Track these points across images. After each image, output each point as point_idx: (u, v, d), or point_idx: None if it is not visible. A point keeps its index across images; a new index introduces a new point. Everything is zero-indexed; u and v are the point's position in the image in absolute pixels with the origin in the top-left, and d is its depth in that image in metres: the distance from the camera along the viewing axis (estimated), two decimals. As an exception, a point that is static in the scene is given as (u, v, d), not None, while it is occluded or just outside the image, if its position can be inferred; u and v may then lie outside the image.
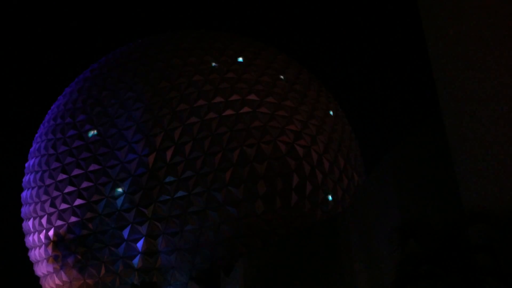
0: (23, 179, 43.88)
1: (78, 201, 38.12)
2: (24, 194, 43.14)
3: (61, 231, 38.87)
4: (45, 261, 40.63)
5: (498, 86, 12.65)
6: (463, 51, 13.38)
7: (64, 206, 38.70)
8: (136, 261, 36.90)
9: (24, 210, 42.89)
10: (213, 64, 37.95)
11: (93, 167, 38.05)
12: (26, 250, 43.93)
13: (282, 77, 40.83)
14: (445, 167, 14.75)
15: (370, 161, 45.86)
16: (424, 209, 16.08)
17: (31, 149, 44.07)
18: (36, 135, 44.40)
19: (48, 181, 39.92)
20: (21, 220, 44.01)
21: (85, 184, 38.07)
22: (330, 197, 37.07)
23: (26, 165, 43.97)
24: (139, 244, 36.73)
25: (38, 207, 40.58)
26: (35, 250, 41.69)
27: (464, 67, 13.36)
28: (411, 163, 17.29)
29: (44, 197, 40.02)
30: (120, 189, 36.79)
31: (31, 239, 41.91)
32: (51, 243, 39.52)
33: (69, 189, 38.55)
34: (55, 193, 39.20)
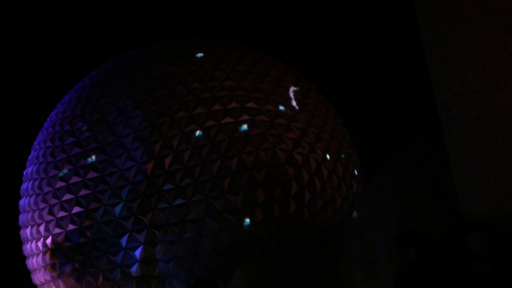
0: (21, 187, 43.77)
1: (76, 209, 38.00)
2: (22, 202, 43.01)
3: (59, 239, 38.73)
4: (42, 269, 40.44)
5: (498, 92, 12.66)
6: (462, 56, 13.39)
7: (62, 214, 38.58)
8: (134, 269, 36.74)
9: (22, 218, 42.75)
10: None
11: (91, 174, 37.98)
12: (23, 258, 43.75)
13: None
14: (444, 175, 14.73)
15: (369, 169, 45.80)
16: (423, 217, 16.05)
17: (30, 157, 44.01)
18: (35, 143, 44.36)
19: (46, 189, 39.83)
20: (18, 228, 43.86)
21: (83, 192, 37.98)
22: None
23: (24, 172, 43.89)
24: (137, 252, 36.59)
25: (36, 214, 40.44)
26: (32, 258, 41.51)
27: (464, 73, 13.37)
28: (409, 171, 17.27)
29: (42, 205, 39.90)
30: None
31: (28, 247, 41.74)
32: (49, 251, 39.35)
33: (67, 196, 38.44)
34: (53, 201, 39.10)
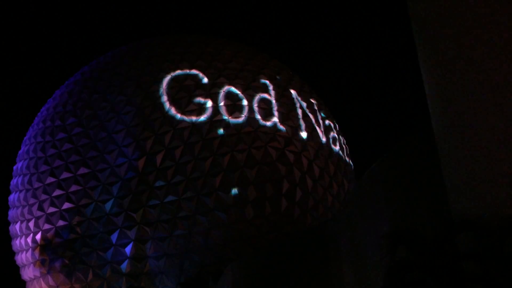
0: (11, 182, 43.44)
1: (67, 205, 37.78)
2: (11, 197, 42.68)
3: (49, 235, 38.49)
4: (32, 265, 40.18)
5: (489, 92, 12.73)
6: (454, 56, 13.45)
7: (52, 209, 38.33)
8: (124, 266, 36.62)
9: (11, 213, 42.44)
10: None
11: (82, 170, 37.74)
12: (12, 254, 43.44)
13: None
14: (435, 174, 14.79)
15: (360, 168, 45.94)
16: (414, 216, 16.11)
17: (20, 152, 43.64)
18: (25, 138, 43.99)
19: (36, 184, 39.54)
20: (8, 224, 43.55)
21: (73, 188, 37.75)
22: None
23: (14, 167, 43.54)
24: (128, 249, 36.47)
25: (25, 210, 40.16)
26: (22, 254, 41.23)
27: (455, 73, 13.42)
28: (401, 170, 17.33)
29: (32, 201, 39.62)
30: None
31: (18, 243, 41.45)
32: (38, 247, 39.11)
33: (58, 192, 38.20)
34: (43, 197, 38.83)
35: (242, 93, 38.75)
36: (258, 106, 38.56)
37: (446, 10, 13.64)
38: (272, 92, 39.96)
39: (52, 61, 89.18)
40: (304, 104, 41.34)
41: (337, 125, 45.27)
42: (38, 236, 39.10)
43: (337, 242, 23.28)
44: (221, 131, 36.13)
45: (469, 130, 13.09)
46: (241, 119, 37.53)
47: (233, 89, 38.78)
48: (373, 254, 18.12)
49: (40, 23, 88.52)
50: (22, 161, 42.01)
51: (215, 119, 37.23)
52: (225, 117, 37.37)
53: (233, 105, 38.00)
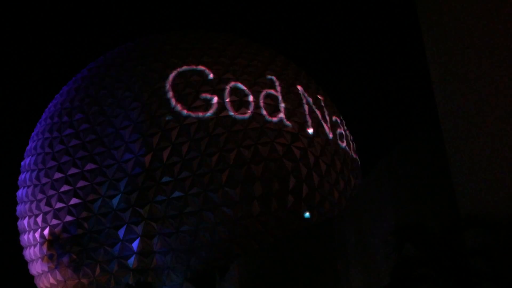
0: (19, 178, 43.73)
1: (74, 200, 38.00)
2: (19, 193, 42.99)
3: (56, 230, 38.74)
4: (40, 260, 40.49)
5: (495, 89, 12.66)
6: (462, 54, 13.38)
7: (59, 205, 38.57)
8: (131, 261, 36.80)
9: (20, 208, 42.74)
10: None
11: (89, 166, 37.92)
12: (21, 248, 43.78)
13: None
14: (442, 171, 14.74)
15: (367, 164, 45.83)
16: (420, 213, 16.06)
17: (28, 148, 43.93)
18: (33, 134, 44.25)
19: (44, 180, 39.78)
20: (16, 219, 43.86)
21: (81, 183, 37.94)
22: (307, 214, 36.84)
23: (22, 163, 43.83)
24: (135, 244, 36.63)
25: (33, 205, 40.43)
26: (30, 249, 41.55)
27: (462, 71, 13.36)
28: (407, 166, 17.28)
29: (39, 196, 39.89)
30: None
31: (26, 238, 41.77)
32: (46, 242, 39.38)
33: (65, 188, 38.41)
34: (51, 192, 39.06)
35: (248, 89, 38.74)
36: (265, 102, 38.54)
37: (455, 7, 13.56)
38: (279, 88, 39.92)
39: (59, 57, 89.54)
40: (311, 100, 41.30)
41: (343, 121, 45.22)
42: (46, 231, 39.37)
43: (344, 238, 23.28)
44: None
45: (477, 125, 13.04)
46: (247, 115, 37.54)
47: (239, 85, 38.75)
48: (380, 250, 18.11)
49: (47, 20, 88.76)
50: (30, 156, 42.27)
51: (221, 115, 37.26)
52: (231, 113, 37.41)
53: (239, 101, 38.00)
